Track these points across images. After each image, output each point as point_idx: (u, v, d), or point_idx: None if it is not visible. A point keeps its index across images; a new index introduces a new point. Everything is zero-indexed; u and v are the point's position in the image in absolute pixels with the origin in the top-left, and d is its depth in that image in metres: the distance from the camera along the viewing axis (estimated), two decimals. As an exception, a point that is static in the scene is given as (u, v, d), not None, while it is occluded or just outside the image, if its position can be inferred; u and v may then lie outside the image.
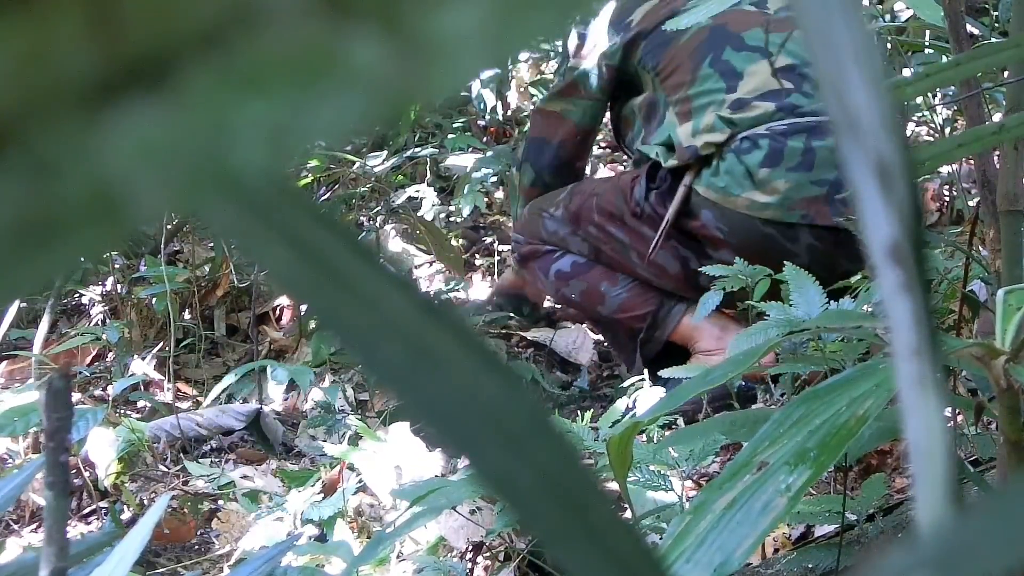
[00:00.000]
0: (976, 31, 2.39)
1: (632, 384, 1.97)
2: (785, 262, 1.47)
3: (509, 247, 2.58)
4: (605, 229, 2.16)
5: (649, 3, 2.19)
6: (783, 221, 1.96)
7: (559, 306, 2.66)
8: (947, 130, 2.56)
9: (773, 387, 1.82)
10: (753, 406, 1.90)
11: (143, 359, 2.32)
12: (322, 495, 1.58)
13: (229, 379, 1.87)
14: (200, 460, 2.03)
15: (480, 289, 2.91)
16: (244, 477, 1.90)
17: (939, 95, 2.48)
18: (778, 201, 1.95)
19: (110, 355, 2.51)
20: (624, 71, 2.23)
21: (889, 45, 2.41)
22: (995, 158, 1.03)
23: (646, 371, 2.03)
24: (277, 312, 2.74)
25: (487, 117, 3.47)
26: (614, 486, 0.87)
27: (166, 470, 1.98)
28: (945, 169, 2.42)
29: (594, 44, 2.25)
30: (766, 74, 1.98)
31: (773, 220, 1.96)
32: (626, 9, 2.21)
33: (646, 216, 2.10)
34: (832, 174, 1.94)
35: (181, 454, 2.04)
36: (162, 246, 2.49)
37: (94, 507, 1.83)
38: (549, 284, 2.28)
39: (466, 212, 2.98)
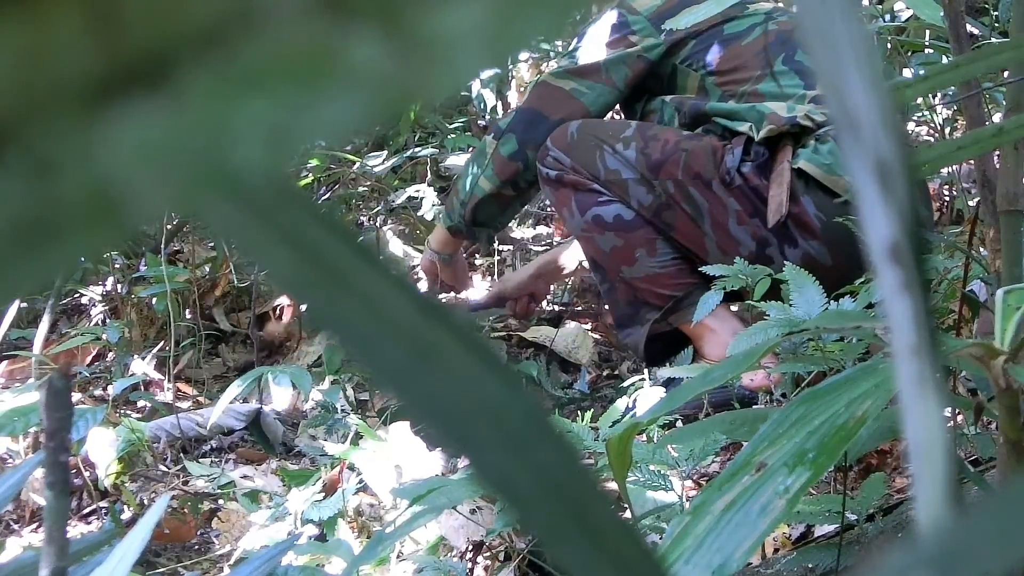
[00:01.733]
0: (976, 31, 2.39)
1: (632, 384, 1.97)
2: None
3: (545, 172, 2.21)
4: (686, 189, 2.03)
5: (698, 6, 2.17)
6: None
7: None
8: (947, 130, 2.56)
9: (773, 388, 1.82)
10: (753, 405, 1.89)
11: (143, 359, 2.32)
12: (322, 495, 1.58)
13: (234, 390, 1.87)
14: (200, 460, 2.03)
15: (480, 289, 2.91)
16: (244, 477, 1.90)
17: (939, 95, 2.48)
18: None
19: (110, 355, 2.51)
20: (659, 68, 2.21)
21: (889, 45, 2.41)
22: (995, 158, 1.03)
23: (646, 372, 2.03)
24: (277, 312, 2.74)
25: (487, 117, 3.47)
26: (614, 486, 0.87)
27: (166, 470, 1.98)
28: (945, 169, 2.42)
29: (627, 34, 2.22)
30: None
31: None
32: (673, 8, 2.16)
33: (735, 187, 2.00)
34: None
35: (181, 454, 2.04)
36: (162, 246, 2.49)
37: (94, 507, 1.83)
38: (578, 220, 2.12)
39: (466, 212, 2.98)
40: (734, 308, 2.14)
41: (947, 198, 2.59)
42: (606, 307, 2.31)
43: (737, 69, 2.11)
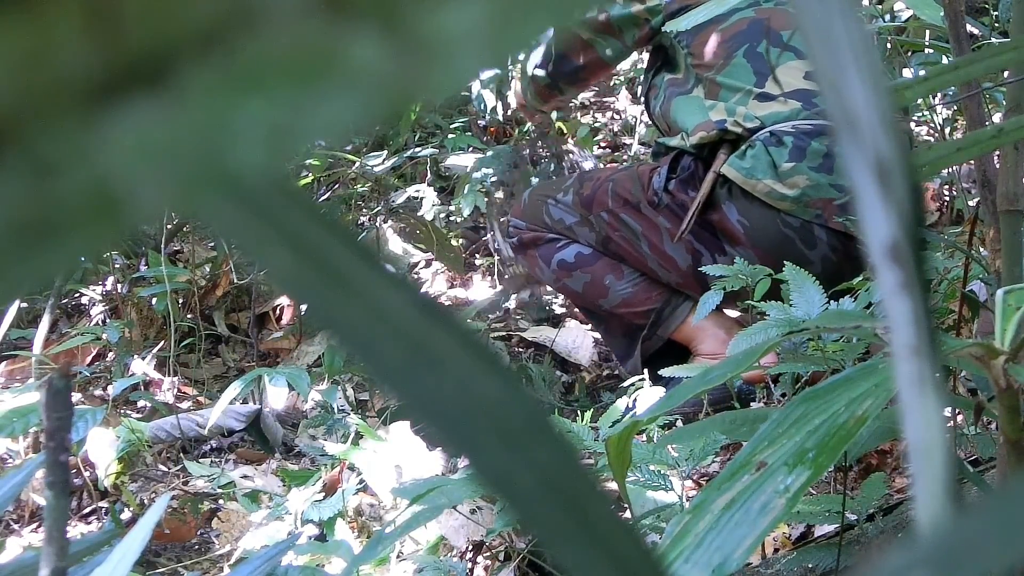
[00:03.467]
0: (976, 31, 2.39)
1: (632, 384, 1.97)
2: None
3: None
4: (618, 216, 2.13)
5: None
6: (799, 217, 1.95)
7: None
8: (947, 130, 2.56)
9: (773, 387, 1.82)
10: (751, 405, 1.90)
11: (143, 359, 2.32)
12: (322, 495, 1.58)
13: (232, 391, 1.87)
14: (200, 460, 2.03)
15: (480, 289, 2.91)
16: (244, 477, 1.90)
17: (939, 95, 2.48)
18: (796, 195, 1.95)
19: (110, 355, 2.51)
20: (662, 38, 2.21)
21: (889, 45, 2.41)
22: (995, 158, 1.03)
23: (645, 370, 2.03)
24: (277, 312, 2.74)
25: (487, 117, 3.47)
26: (614, 486, 0.87)
27: (166, 470, 1.98)
28: (945, 169, 2.42)
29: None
30: (799, 73, 1.98)
31: (790, 215, 1.95)
32: None
33: (663, 206, 2.07)
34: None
35: (181, 454, 2.04)
36: (162, 246, 2.49)
37: (94, 507, 1.83)
38: (549, 273, 2.25)
39: (466, 212, 2.98)
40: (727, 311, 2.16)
41: (947, 198, 2.59)
42: (610, 348, 2.36)
43: (707, 53, 2.10)
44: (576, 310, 2.77)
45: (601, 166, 3.26)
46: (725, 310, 2.12)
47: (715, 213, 2.02)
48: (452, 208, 3.09)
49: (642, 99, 2.46)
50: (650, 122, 2.49)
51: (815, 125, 1.96)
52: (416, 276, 2.93)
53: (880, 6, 2.82)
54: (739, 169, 1.98)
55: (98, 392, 2.33)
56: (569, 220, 2.19)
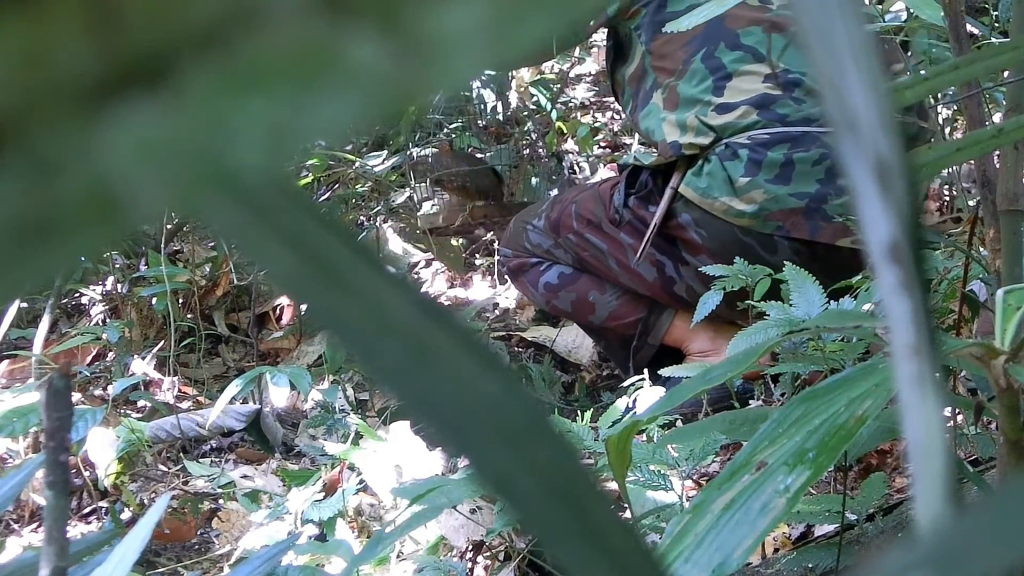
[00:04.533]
0: (976, 31, 2.39)
1: (632, 384, 1.97)
2: (787, 263, 1.47)
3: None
4: (584, 236, 2.14)
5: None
6: (759, 231, 1.93)
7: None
8: (947, 130, 2.56)
9: (773, 387, 1.82)
10: (751, 404, 1.90)
11: (143, 359, 2.32)
12: (322, 495, 1.58)
13: (232, 389, 1.87)
14: (200, 460, 2.03)
15: (480, 289, 2.91)
16: (244, 477, 1.90)
17: (939, 94, 2.48)
18: (754, 211, 1.92)
19: (110, 355, 2.51)
20: (615, 26, 2.15)
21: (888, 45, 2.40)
22: (995, 157, 1.03)
23: (646, 372, 2.03)
24: (277, 312, 2.74)
25: (487, 117, 3.47)
26: (614, 486, 0.87)
27: (166, 470, 1.98)
28: (945, 169, 2.42)
29: None
30: (757, 78, 1.94)
31: (749, 229, 1.94)
32: None
33: (624, 222, 2.08)
34: (812, 187, 1.89)
35: (181, 454, 2.04)
36: (162, 246, 2.49)
37: (94, 507, 1.83)
38: (539, 296, 2.27)
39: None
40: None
41: (947, 198, 2.59)
42: (614, 362, 2.37)
43: (666, 57, 2.04)
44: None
45: (604, 168, 3.26)
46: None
47: (673, 221, 2.01)
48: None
49: (611, 131, 2.45)
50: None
51: (772, 134, 1.91)
52: (416, 276, 2.93)
53: (880, 6, 2.82)
54: (695, 188, 1.96)
55: (98, 392, 2.33)
56: (546, 244, 2.21)
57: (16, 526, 1.77)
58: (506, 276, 2.36)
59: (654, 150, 2.10)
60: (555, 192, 2.88)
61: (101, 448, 1.78)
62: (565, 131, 3.44)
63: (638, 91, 2.11)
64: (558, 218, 2.18)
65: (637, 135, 2.31)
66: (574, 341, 2.54)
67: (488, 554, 1.43)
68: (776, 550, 1.32)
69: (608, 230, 2.11)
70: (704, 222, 1.97)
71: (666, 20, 2.04)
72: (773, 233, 1.93)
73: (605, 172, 3.23)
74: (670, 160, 1.99)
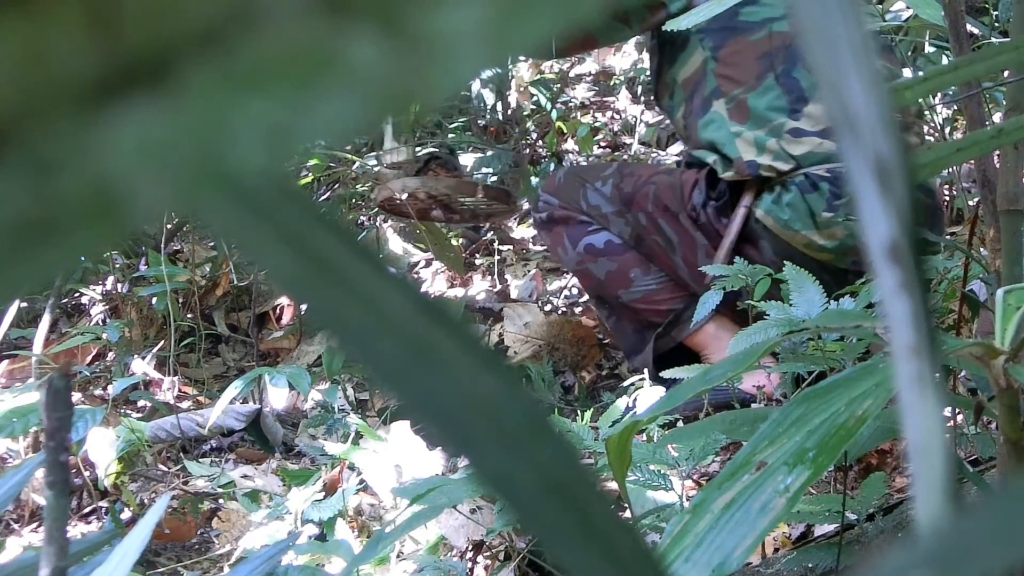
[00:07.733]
0: (976, 31, 2.39)
1: (632, 384, 1.97)
2: (787, 263, 1.47)
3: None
4: (656, 221, 2.11)
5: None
6: (836, 266, 1.93)
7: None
8: (947, 130, 2.56)
9: (773, 390, 1.82)
10: (751, 406, 1.89)
11: (143, 359, 2.32)
12: (322, 495, 1.58)
13: (232, 390, 1.87)
14: (200, 460, 2.03)
15: (480, 289, 2.91)
16: (244, 477, 1.90)
17: (939, 95, 2.48)
18: (834, 247, 1.93)
19: (110, 355, 2.51)
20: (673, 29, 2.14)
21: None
22: (995, 157, 1.03)
23: (646, 369, 2.03)
24: (277, 312, 2.74)
25: (487, 117, 3.47)
26: (614, 486, 0.87)
27: (166, 470, 1.98)
28: (945, 169, 2.42)
29: None
30: None
31: (828, 265, 1.92)
32: None
33: (701, 224, 2.06)
34: None
35: (181, 454, 2.04)
36: (162, 245, 2.49)
37: (94, 507, 1.83)
38: (572, 254, 2.21)
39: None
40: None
41: (947, 198, 2.59)
42: (616, 341, 2.34)
43: (736, 66, 2.03)
44: (576, 307, 2.77)
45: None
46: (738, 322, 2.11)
47: (752, 248, 2.00)
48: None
49: (652, 96, 2.40)
50: (651, 121, 2.45)
51: None
52: (416, 276, 2.93)
53: (880, 6, 2.82)
54: (777, 219, 1.96)
55: (98, 392, 2.34)
56: (606, 209, 2.17)
57: (16, 526, 1.77)
58: (540, 220, 2.28)
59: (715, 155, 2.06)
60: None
61: (101, 448, 1.78)
62: (565, 131, 3.44)
63: (693, 96, 2.09)
64: (632, 194, 2.14)
65: (682, 137, 2.26)
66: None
67: (488, 554, 1.43)
68: (776, 550, 1.32)
69: (685, 224, 2.09)
70: (780, 250, 1.96)
71: (739, 28, 2.03)
72: (848, 268, 1.93)
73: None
74: (746, 178, 1.99)
